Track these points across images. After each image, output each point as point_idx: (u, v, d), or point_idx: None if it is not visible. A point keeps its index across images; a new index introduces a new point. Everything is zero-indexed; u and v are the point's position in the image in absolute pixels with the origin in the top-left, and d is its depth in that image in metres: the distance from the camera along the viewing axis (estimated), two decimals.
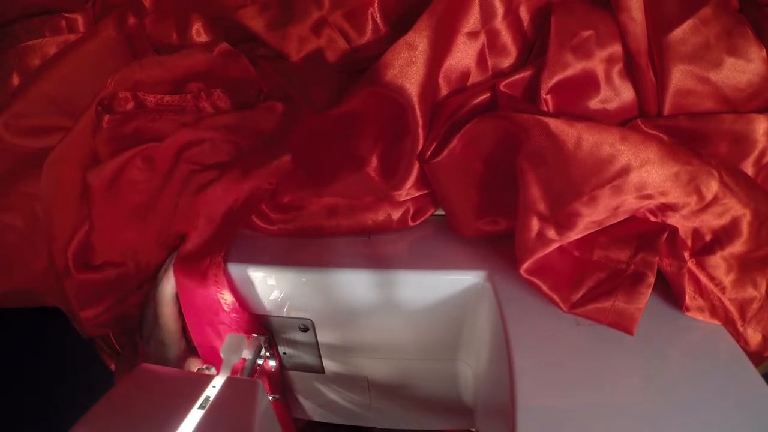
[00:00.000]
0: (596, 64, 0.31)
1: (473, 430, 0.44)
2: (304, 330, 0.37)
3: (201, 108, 0.36)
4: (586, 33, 0.31)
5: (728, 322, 0.30)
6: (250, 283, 0.34)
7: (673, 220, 0.29)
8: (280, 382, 0.41)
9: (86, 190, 0.36)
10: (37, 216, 0.40)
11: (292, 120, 0.34)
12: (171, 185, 0.36)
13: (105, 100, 0.35)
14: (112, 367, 0.49)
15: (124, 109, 0.35)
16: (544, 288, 0.30)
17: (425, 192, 0.34)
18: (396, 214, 0.35)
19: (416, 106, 0.31)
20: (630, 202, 0.27)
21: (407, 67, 0.30)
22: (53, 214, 0.38)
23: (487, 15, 0.33)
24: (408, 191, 0.33)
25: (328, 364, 0.39)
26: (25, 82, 0.41)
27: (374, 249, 0.35)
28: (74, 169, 0.37)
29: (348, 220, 0.35)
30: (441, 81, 0.33)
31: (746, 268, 0.29)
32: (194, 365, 0.37)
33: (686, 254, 0.29)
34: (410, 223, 0.36)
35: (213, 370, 0.36)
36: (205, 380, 0.29)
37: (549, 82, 0.31)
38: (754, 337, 0.31)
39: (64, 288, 0.39)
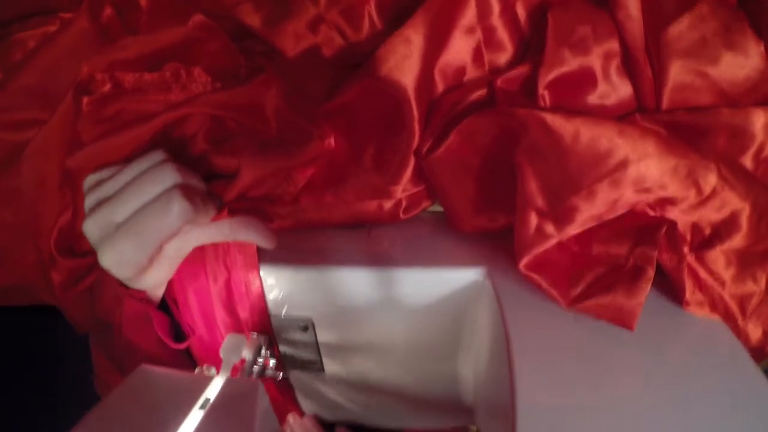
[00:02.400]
0: (594, 60, 0.31)
1: (473, 426, 0.44)
2: (304, 329, 0.37)
3: (184, 85, 0.33)
4: (584, 29, 0.31)
5: (728, 317, 0.30)
6: None
7: (672, 214, 0.29)
8: (279, 382, 0.41)
9: (68, 176, 0.35)
10: (25, 210, 0.40)
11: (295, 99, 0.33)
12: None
13: (82, 83, 0.32)
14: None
15: (101, 91, 0.33)
16: (544, 284, 0.30)
17: (421, 188, 0.34)
18: (387, 206, 0.35)
19: (412, 101, 0.31)
20: (628, 196, 0.27)
21: (403, 61, 0.30)
22: (37, 208, 0.38)
23: (483, 11, 0.33)
24: (405, 186, 0.33)
25: (328, 364, 0.39)
26: (5, 76, 0.41)
27: (374, 246, 0.35)
28: (55, 160, 0.37)
29: (339, 212, 0.35)
30: (437, 76, 0.33)
31: (746, 262, 0.29)
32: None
33: (685, 249, 0.29)
34: (401, 216, 0.35)
35: (213, 371, 0.36)
36: (205, 381, 0.29)
37: (546, 78, 0.31)
38: (754, 332, 0.31)
39: (50, 280, 0.38)
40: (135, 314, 0.32)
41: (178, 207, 0.27)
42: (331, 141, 0.33)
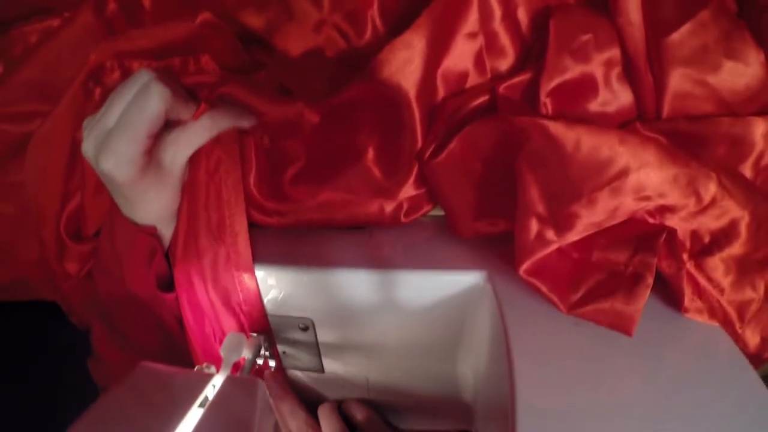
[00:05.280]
0: (595, 68, 0.32)
1: (472, 431, 0.44)
2: (304, 329, 0.37)
3: (193, 74, 0.35)
4: (585, 36, 0.31)
5: (727, 324, 0.30)
6: None
7: (671, 221, 0.29)
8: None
9: (78, 153, 0.35)
10: (27, 204, 0.40)
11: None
12: None
13: (91, 71, 0.34)
14: None
15: (110, 78, 0.34)
16: (544, 289, 0.30)
17: (422, 191, 0.35)
18: (389, 208, 0.35)
19: (413, 105, 0.31)
20: (628, 204, 0.27)
21: (404, 65, 0.30)
22: (40, 199, 0.38)
23: (485, 16, 0.33)
24: (407, 189, 0.34)
25: (328, 364, 0.39)
26: (7, 70, 0.41)
27: (375, 249, 0.35)
28: (60, 149, 0.37)
29: (340, 213, 0.35)
30: (439, 82, 0.34)
31: (745, 270, 0.29)
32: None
33: (685, 256, 0.29)
34: (403, 219, 0.35)
35: (213, 369, 0.36)
36: (205, 379, 0.29)
37: (548, 85, 0.31)
38: (752, 338, 0.31)
39: (57, 270, 0.39)
40: (142, 257, 0.33)
41: (155, 89, 0.28)
42: (314, 115, 0.33)
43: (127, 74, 0.34)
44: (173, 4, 0.41)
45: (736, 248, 0.29)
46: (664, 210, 0.29)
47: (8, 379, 0.48)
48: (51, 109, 0.38)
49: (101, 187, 0.34)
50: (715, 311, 0.30)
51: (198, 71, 0.34)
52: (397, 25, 0.36)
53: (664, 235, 0.28)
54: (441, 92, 0.34)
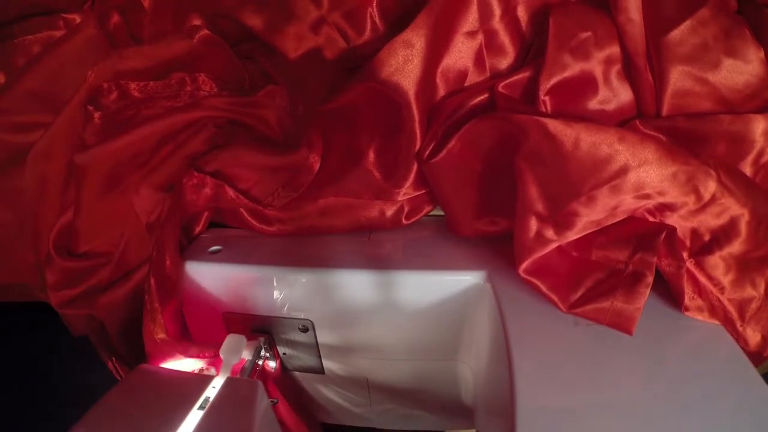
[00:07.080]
0: (594, 66, 0.32)
1: (473, 430, 0.44)
2: (304, 330, 0.37)
3: (191, 93, 0.35)
4: (585, 34, 0.31)
5: (727, 322, 0.30)
6: (249, 283, 0.34)
7: (671, 220, 0.29)
8: (280, 382, 0.41)
9: (74, 174, 0.35)
10: (26, 211, 0.40)
11: (299, 113, 0.34)
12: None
13: (88, 92, 0.34)
14: (110, 365, 0.49)
15: (108, 99, 0.34)
16: (543, 288, 0.30)
17: (422, 192, 0.35)
18: (390, 212, 0.35)
19: (413, 104, 0.31)
20: (628, 202, 0.27)
21: (404, 64, 0.30)
22: (38, 208, 0.38)
23: (484, 15, 0.33)
24: (406, 190, 0.34)
25: (328, 365, 0.39)
26: (10, 79, 0.41)
27: (374, 249, 0.35)
28: (57, 163, 0.37)
29: (341, 219, 0.35)
30: (438, 80, 0.33)
31: (745, 268, 0.29)
32: None
33: (685, 254, 0.29)
34: (404, 222, 0.35)
35: (213, 371, 0.36)
36: (205, 381, 0.29)
37: (547, 83, 0.31)
38: (753, 336, 0.31)
39: (44, 281, 0.39)
40: None
41: None
42: (317, 159, 0.33)
43: (124, 95, 0.34)
44: (173, 3, 0.41)
45: (736, 246, 0.29)
46: (664, 208, 0.29)
47: (8, 379, 0.48)
48: (51, 119, 0.38)
49: (95, 207, 0.34)
50: (715, 309, 0.29)
51: (195, 90, 0.34)
52: (396, 23, 0.36)
53: (664, 234, 0.28)
54: (441, 91, 0.34)
